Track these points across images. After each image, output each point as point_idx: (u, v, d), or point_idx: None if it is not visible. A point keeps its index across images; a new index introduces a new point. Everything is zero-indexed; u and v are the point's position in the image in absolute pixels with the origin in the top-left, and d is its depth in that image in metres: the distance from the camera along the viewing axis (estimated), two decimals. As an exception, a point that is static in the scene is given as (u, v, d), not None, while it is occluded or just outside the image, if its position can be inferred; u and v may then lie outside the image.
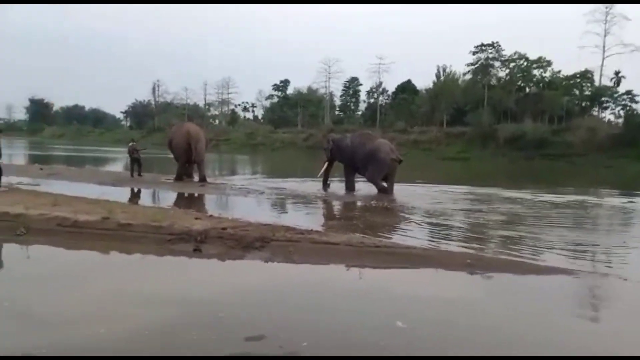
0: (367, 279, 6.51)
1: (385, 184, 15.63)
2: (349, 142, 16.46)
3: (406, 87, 75.14)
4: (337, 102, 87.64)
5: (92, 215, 8.45)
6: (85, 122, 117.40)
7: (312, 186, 17.14)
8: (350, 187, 16.40)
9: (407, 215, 11.51)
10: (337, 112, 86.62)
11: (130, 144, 19.22)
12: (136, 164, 18.57)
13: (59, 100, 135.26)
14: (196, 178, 18.01)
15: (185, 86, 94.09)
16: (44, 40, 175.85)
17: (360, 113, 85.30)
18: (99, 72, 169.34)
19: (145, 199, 14.15)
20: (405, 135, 59.59)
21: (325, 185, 16.74)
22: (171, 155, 18.89)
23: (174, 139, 18.13)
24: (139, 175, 18.28)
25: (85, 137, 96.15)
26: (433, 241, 8.39)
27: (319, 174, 17.15)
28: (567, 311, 5.37)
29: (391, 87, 78.55)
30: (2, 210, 8.67)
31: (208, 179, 17.86)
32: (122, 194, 13.47)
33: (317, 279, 6.37)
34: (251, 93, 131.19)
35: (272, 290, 5.73)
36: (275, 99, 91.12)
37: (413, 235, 8.90)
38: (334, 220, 10.99)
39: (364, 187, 16.50)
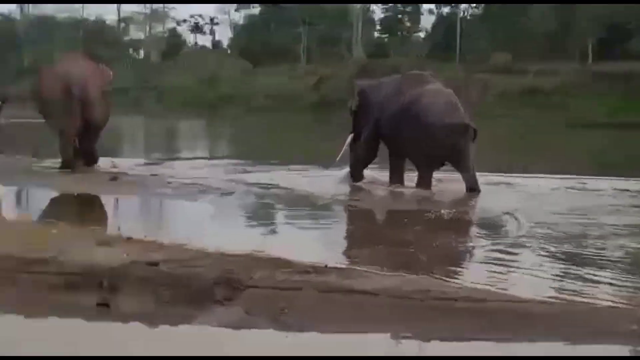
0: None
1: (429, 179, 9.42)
2: (380, 91, 10.14)
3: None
4: (378, 14, 52.66)
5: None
6: None
7: (325, 179, 10.76)
8: (360, 169, 10.33)
9: (511, 235, 7.10)
10: (376, 35, 53.80)
11: None
12: None
13: None
14: (107, 162, 11.73)
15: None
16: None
17: (422, 35, 53.56)
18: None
19: (8, 206, 8.80)
20: (508, 78, 36.62)
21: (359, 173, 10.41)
22: (42, 121, 11.64)
23: (45, 90, 11.17)
24: None
25: None
26: (565, 286, 4.73)
27: (338, 157, 10.69)
28: None
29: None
30: None
31: (130, 170, 11.46)
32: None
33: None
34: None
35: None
36: (256, 11, 53.86)
37: (525, 274, 5.13)
38: (366, 246, 6.79)
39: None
